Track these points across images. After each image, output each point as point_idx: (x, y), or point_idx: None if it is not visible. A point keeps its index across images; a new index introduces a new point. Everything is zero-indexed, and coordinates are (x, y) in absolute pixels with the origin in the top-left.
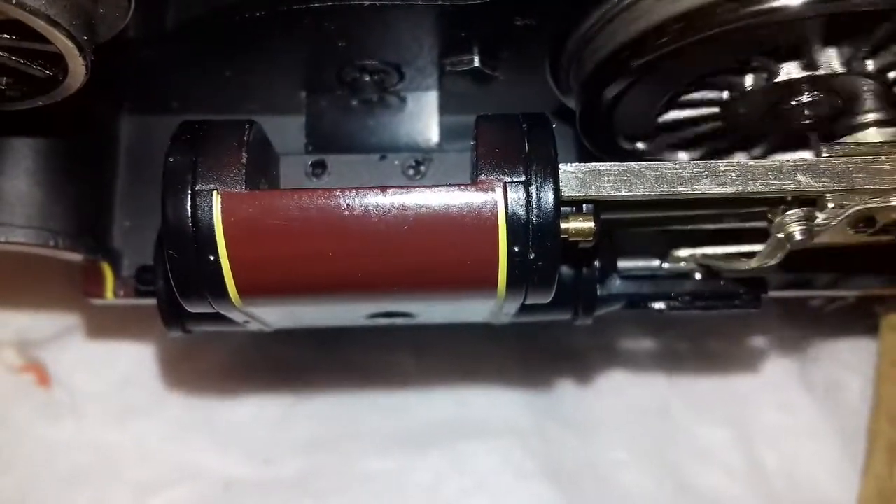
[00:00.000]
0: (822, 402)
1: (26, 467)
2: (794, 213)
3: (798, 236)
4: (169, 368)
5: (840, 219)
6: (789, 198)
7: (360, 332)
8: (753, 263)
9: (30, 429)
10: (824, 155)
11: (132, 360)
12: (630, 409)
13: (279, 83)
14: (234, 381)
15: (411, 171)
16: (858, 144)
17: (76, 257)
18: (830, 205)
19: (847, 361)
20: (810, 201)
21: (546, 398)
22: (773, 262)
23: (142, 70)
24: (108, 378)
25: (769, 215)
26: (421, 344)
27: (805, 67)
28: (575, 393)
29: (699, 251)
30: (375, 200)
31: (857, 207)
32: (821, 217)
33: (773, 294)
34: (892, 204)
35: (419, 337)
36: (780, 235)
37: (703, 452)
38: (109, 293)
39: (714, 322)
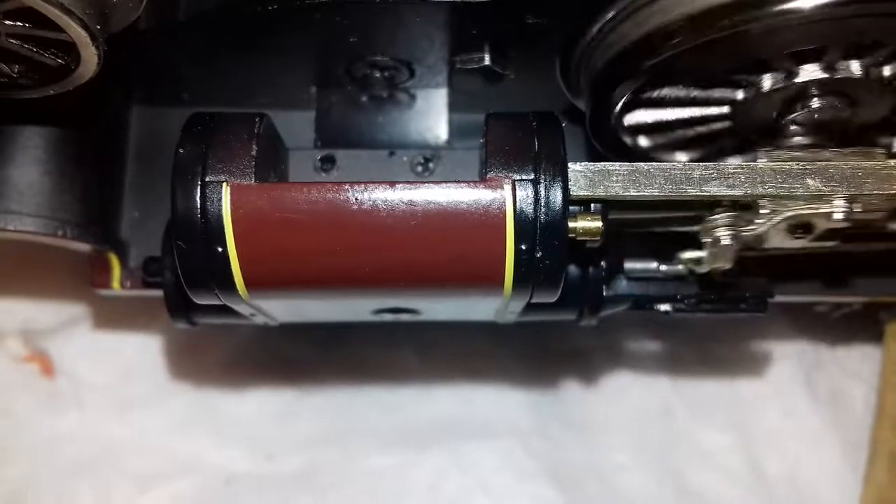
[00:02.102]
0: (825, 408)
1: (29, 458)
2: (722, 217)
3: (725, 241)
4: (173, 361)
5: (771, 225)
6: (726, 202)
7: (363, 329)
8: (703, 268)
9: (33, 419)
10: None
11: (136, 352)
12: (633, 412)
13: (289, 77)
14: (238, 375)
15: (419, 168)
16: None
17: (84, 247)
18: (763, 210)
19: (851, 369)
20: (746, 206)
21: (549, 399)
22: (724, 265)
23: (153, 61)
24: (112, 369)
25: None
26: (424, 342)
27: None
28: (578, 394)
29: (684, 255)
30: (384, 195)
31: (789, 214)
32: (756, 222)
33: (779, 299)
34: (823, 211)
35: (423, 335)
36: (708, 240)
37: (706, 456)
38: (116, 284)
39: (719, 326)
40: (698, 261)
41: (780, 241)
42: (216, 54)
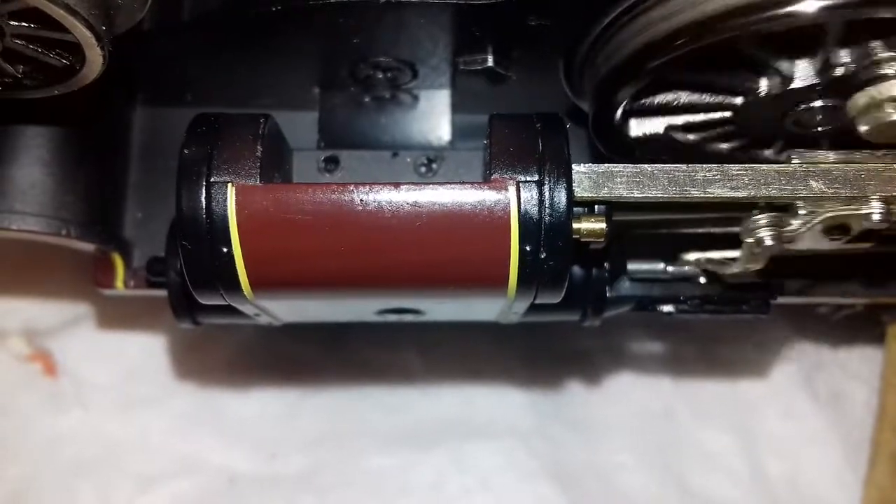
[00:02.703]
0: (826, 410)
1: (31, 457)
2: (763, 218)
3: (768, 241)
4: (176, 361)
5: (810, 226)
6: (762, 203)
7: (366, 329)
8: (735, 269)
9: (35, 418)
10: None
11: (139, 352)
12: (635, 413)
13: (293, 78)
14: (241, 375)
15: (423, 169)
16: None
17: (87, 247)
18: (802, 211)
19: (853, 370)
20: (783, 207)
21: (551, 399)
22: (755, 267)
23: (157, 62)
24: (115, 369)
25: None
26: (427, 343)
27: (820, 72)
28: (580, 395)
29: (703, 255)
30: (388, 196)
31: (828, 215)
32: (794, 224)
33: (782, 300)
34: (862, 212)
35: (425, 336)
36: (750, 241)
37: (707, 457)
38: (120, 284)
39: (721, 327)
40: (726, 262)
41: (815, 243)
42: (220, 55)
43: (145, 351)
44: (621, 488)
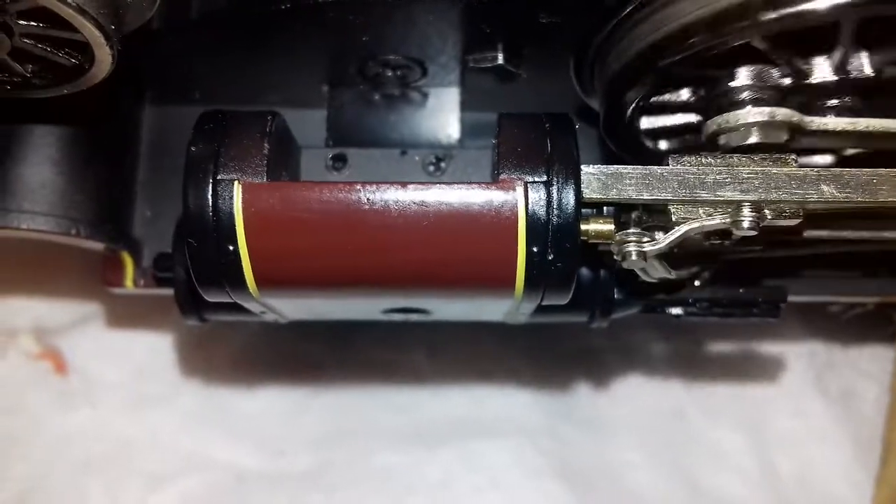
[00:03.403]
0: (837, 409)
1: (41, 455)
2: (632, 233)
3: (633, 256)
4: (184, 359)
5: (674, 238)
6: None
7: (374, 328)
8: (646, 278)
9: (45, 416)
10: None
11: (148, 351)
12: (644, 412)
13: (302, 76)
14: (249, 373)
15: (431, 168)
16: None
17: (97, 246)
18: (674, 217)
19: (864, 369)
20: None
21: (560, 399)
22: (656, 275)
23: (165, 60)
24: (124, 367)
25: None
26: (435, 342)
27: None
28: (589, 394)
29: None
30: (396, 196)
31: (691, 227)
32: (659, 236)
33: (792, 299)
34: (713, 223)
35: (433, 335)
36: (618, 258)
37: (717, 456)
38: (129, 282)
39: (732, 327)
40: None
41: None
42: (228, 53)
43: (154, 349)
44: (630, 486)
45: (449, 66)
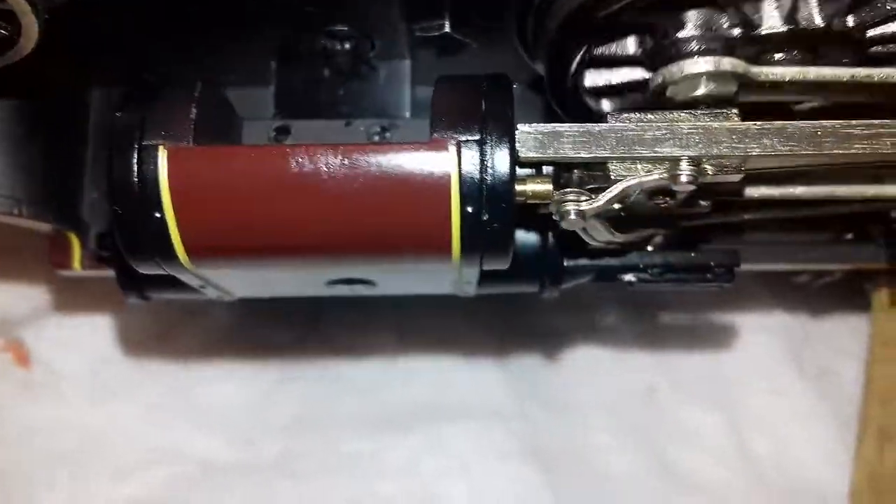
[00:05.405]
0: (814, 385)
1: (5, 447)
2: (570, 191)
3: (571, 216)
4: (148, 348)
5: (613, 196)
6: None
7: (341, 312)
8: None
9: (9, 408)
10: None
11: (111, 340)
12: (614, 391)
13: (249, 52)
14: (215, 361)
15: (376, 138)
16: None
17: (43, 227)
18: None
19: (841, 344)
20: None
21: (528, 380)
22: (601, 238)
23: (108, 38)
24: (87, 357)
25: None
26: (403, 325)
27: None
28: (558, 374)
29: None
30: (326, 159)
31: (629, 184)
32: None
33: (750, 267)
34: (651, 178)
35: (402, 318)
36: (556, 217)
37: (690, 436)
38: (77, 264)
39: (701, 301)
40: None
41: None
42: (171, 30)
43: (117, 338)
44: (601, 467)
45: (397, 38)
